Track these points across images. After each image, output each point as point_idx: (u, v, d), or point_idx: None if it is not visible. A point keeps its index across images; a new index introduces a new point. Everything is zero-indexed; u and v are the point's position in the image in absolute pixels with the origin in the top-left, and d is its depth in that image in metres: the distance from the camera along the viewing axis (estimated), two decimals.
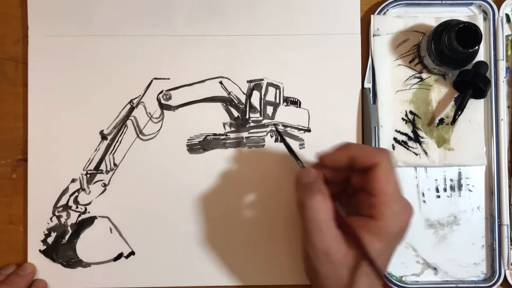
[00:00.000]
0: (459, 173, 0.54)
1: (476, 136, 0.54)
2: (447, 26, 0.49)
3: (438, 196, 0.54)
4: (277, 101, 0.54)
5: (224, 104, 0.54)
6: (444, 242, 0.54)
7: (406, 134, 0.54)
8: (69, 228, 0.53)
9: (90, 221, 0.53)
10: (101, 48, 0.54)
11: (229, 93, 0.54)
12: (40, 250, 0.53)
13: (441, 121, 0.54)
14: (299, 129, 0.54)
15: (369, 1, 0.54)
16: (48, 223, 0.53)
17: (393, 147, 0.54)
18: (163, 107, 0.54)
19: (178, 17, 0.54)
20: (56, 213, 0.53)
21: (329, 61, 0.54)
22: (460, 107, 0.51)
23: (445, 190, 0.54)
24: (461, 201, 0.54)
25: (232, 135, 0.54)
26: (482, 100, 0.54)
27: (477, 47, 0.48)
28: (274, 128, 0.54)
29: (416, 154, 0.54)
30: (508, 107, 0.54)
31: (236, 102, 0.54)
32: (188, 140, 0.54)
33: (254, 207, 0.53)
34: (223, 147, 0.53)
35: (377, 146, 0.53)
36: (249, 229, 0.53)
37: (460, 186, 0.54)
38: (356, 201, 0.45)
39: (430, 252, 0.54)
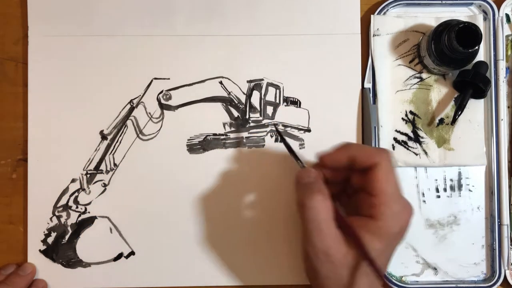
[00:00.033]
0: (459, 173, 0.54)
1: (476, 136, 0.54)
2: (447, 26, 0.49)
3: (438, 196, 0.54)
4: (277, 101, 0.54)
5: (224, 104, 0.54)
6: (444, 242, 0.54)
7: (406, 134, 0.54)
8: (69, 228, 0.53)
9: (90, 221, 0.53)
10: (101, 48, 0.54)
11: (229, 93, 0.54)
12: (40, 250, 0.53)
13: (441, 121, 0.54)
14: (299, 129, 0.54)
15: (369, 1, 0.54)
16: (48, 223, 0.53)
17: (393, 147, 0.54)
18: (163, 107, 0.54)
19: (178, 17, 0.54)
20: (56, 213, 0.53)
21: (329, 61, 0.54)
22: (460, 107, 0.51)
23: (445, 190, 0.54)
24: (461, 201, 0.54)
25: (232, 135, 0.54)
26: (482, 100, 0.54)
27: (477, 47, 0.48)
28: (274, 128, 0.54)
29: (416, 154, 0.54)
30: (508, 107, 0.54)
31: (236, 102, 0.54)
32: (188, 140, 0.54)
33: (254, 207, 0.53)
34: (223, 147, 0.53)
35: (377, 146, 0.53)
36: (249, 229, 0.53)
37: (460, 186, 0.54)
38: (356, 201, 0.45)
39: (430, 252, 0.54)
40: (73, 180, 0.53)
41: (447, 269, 0.54)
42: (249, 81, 0.54)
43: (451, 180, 0.54)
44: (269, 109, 0.54)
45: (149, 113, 0.54)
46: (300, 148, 0.53)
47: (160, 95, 0.54)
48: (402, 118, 0.54)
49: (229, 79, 0.54)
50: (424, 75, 0.54)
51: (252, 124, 0.54)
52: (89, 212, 0.53)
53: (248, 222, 0.53)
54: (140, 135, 0.53)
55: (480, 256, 0.54)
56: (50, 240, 0.53)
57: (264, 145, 0.54)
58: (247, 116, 0.54)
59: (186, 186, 0.53)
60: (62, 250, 0.53)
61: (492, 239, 0.53)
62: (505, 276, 0.53)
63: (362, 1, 0.54)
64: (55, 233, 0.53)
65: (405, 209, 0.43)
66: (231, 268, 0.53)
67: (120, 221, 0.53)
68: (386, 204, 0.42)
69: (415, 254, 0.54)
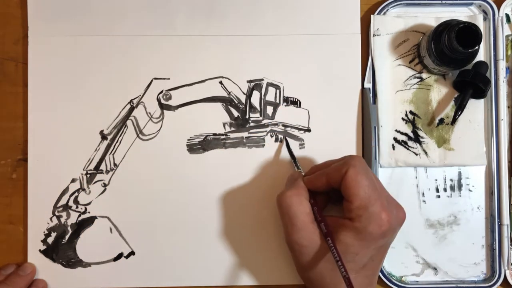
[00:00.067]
0: (459, 173, 0.54)
1: (476, 136, 0.54)
2: (447, 26, 0.49)
3: (438, 196, 0.54)
4: (277, 101, 0.54)
5: (224, 104, 0.54)
6: (444, 242, 0.54)
7: (406, 134, 0.54)
8: (69, 228, 0.53)
9: (90, 221, 0.53)
10: (101, 48, 0.54)
11: (229, 93, 0.54)
12: (40, 250, 0.53)
13: (441, 121, 0.54)
14: (299, 129, 0.54)
15: (369, 1, 0.54)
16: (48, 223, 0.53)
17: (393, 147, 0.54)
18: (163, 107, 0.54)
19: (178, 17, 0.54)
20: (56, 213, 0.53)
21: (329, 61, 0.54)
22: (460, 107, 0.51)
23: (445, 190, 0.54)
24: (461, 201, 0.54)
25: (232, 135, 0.54)
26: (482, 100, 0.54)
27: (477, 47, 0.48)
28: (274, 129, 0.54)
29: (416, 154, 0.54)
30: (508, 107, 0.54)
31: (236, 102, 0.54)
32: (188, 140, 0.54)
33: (254, 207, 0.53)
34: (223, 147, 0.53)
35: (377, 146, 0.53)
36: (249, 229, 0.53)
37: (460, 186, 0.54)
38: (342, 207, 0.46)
39: (430, 252, 0.54)
40: (73, 180, 0.53)
41: (447, 269, 0.54)
42: (249, 81, 0.54)
43: (451, 180, 0.54)
44: (269, 109, 0.54)
45: (149, 113, 0.54)
46: (300, 148, 0.53)
47: (160, 95, 0.54)
48: (402, 118, 0.54)
49: (229, 79, 0.54)
50: (424, 75, 0.54)
51: (252, 124, 0.54)
52: (89, 212, 0.53)
53: (248, 222, 0.53)
54: (140, 135, 0.53)
55: (480, 256, 0.54)
56: (50, 240, 0.53)
57: (264, 145, 0.54)
58: (247, 116, 0.54)
59: (186, 186, 0.53)
60: (62, 250, 0.53)
61: (492, 239, 0.53)
62: (505, 276, 0.53)
63: (362, 1, 0.54)
64: (55, 233, 0.53)
65: (384, 210, 0.44)
66: (231, 268, 0.53)
67: (120, 221, 0.53)
68: (360, 207, 0.43)
69: (415, 254, 0.54)
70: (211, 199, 0.53)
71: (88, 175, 0.53)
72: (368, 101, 0.53)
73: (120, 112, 0.54)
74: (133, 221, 0.53)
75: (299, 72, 0.54)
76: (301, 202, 0.45)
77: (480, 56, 0.53)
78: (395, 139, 0.54)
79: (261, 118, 0.54)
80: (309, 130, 0.54)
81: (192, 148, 0.53)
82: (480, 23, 0.53)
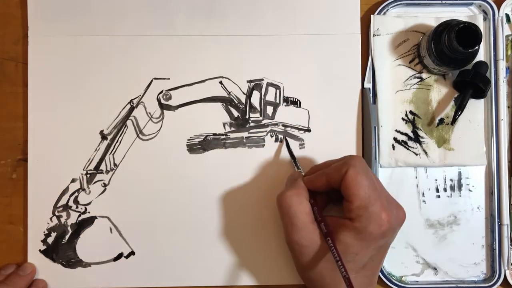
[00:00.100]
0: (459, 173, 0.54)
1: (476, 136, 0.54)
2: (447, 26, 0.49)
3: (438, 196, 0.54)
4: (277, 101, 0.54)
5: (224, 104, 0.54)
6: (444, 242, 0.54)
7: (406, 134, 0.54)
8: (69, 228, 0.53)
9: (90, 221, 0.53)
10: (101, 48, 0.54)
11: (229, 93, 0.54)
12: (40, 250, 0.53)
13: (441, 121, 0.54)
14: (299, 129, 0.54)
15: (369, 1, 0.54)
16: (48, 223, 0.53)
17: (393, 147, 0.54)
18: (163, 107, 0.54)
19: (178, 17, 0.54)
20: (56, 213, 0.53)
21: (329, 61, 0.54)
22: (460, 107, 0.51)
23: (445, 190, 0.54)
24: (461, 201, 0.54)
25: (232, 135, 0.54)
26: (482, 100, 0.54)
27: (477, 47, 0.48)
28: (274, 129, 0.54)
29: (416, 154, 0.54)
30: (508, 107, 0.54)
31: (236, 102, 0.54)
32: (188, 140, 0.54)
33: (254, 207, 0.53)
34: (223, 147, 0.53)
35: (377, 146, 0.53)
36: (249, 229, 0.53)
37: (460, 186, 0.54)
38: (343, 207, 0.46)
39: (430, 252, 0.54)
40: (73, 180, 0.53)
41: (447, 269, 0.54)
42: (249, 81, 0.54)
43: (451, 180, 0.54)
44: (269, 109, 0.54)
45: (149, 113, 0.54)
46: (300, 148, 0.53)
47: (160, 95, 0.54)
48: (402, 118, 0.54)
49: (229, 79, 0.54)
50: (424, 75, 0.54)
51: (252, 124, 0.54)
52: (89, 212, 0.53)
53: (248, 222, 0.53)
54: (140, 135, 0.53)
55: (480, 256, 0.54)
56: (50, 240, 0.53)
57: (264, 145, 0.54)
58: (247, 116, 0.54)
59: (186, 186, 0.53)
60: (62, 250, 0.53)
61: (492, 239, 0.53)
62: (505, 276, 0.53)
63: (362, 1, 0.54)
64: (55, 233, 0.53)
65: (384, 210, 0.44)
66: (231, 268, 0.53)
67: (120, 221, 0.53)
68: (360, 207, 0.43)
69: (415, 254, 0.54)
70: (211, 199, 0.53)
71: (88, 175, 0.53)
72: (368, 101, 0.53)
73: (120, 112, 0.54)
74: (133, 221, 0.53)
75: (299, 72, 0.54)
76: (301, 202, 0.45)
77: (480, 56, 0.53)
78: (395, 139, 0.54)
79: (261, 118, 0.54)
80: (309, 130, 0.54)
81: (192, 148, 0.53)
82: (480, 23, 0.53)
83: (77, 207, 0.53)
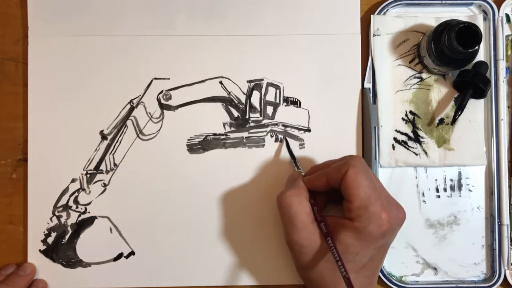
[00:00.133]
0: (459, 173, 0.54)
1: (476, 136, 0.54)
2: (447, 26, 0.49)
3: (438, 196, 0.54)
4: (277, 101, 0.54)
5: (224, 104, 0.54)
6: (444, 242, 0.54)
7: (406, 134, 0.54)
8: (69, 228, 0.53)
9: (90, 221, 0.53)
10: (101, 48, 0.54)
11: (229, 93, 0.54)
12: (40, 250, 0.53)
13: (441, 121, 0.54)
14: (299, 129, 0.54)
15: (369, 1, 0.54)
16: (48, 223, 0.53)
17: (393, 147, 0.54)
18: (163, 107, 0.54)
19: (178, 17, 0.54)
20: (56, 213, 0.53)
21: (329, 61, 0.54)
22: (460, 107, 0.51)
23: (445, 190, 0.54)
24: (461, 201, 0.54)
25: (232, 135, 0.54)
26: (482, 100, 0.54)
27: (477, 47, 0.48)
28: (274, 129, 0.54)
29: (416, 154, 0.54)
30: (508, 107, 0.54)
31: (236, 102, 0.54)
32: (188, 140, 0.54)
33: (254, 207, 0.53)
34: (223, 147, 0.53)
35: (377, 146, 0.53)
36: (249, 229, 0.53)
37: (460, 186, 0.54)
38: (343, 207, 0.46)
39: (430, 252, 0.54)
40: (73, 180, 0.53)
41: (447, 269, 0.54)
42: (249, 81, 0.54)
43: (451, 180, 0.54)
44: (269, 109, 0.54)
45: (149, 113, 0.54)
46: (300, 148, 0.53)
47: (160, 95, 0.54)
48: (402, 118, 0.54)
49: (229, 79, 0.54)
50: (424, 75, 0.54)
51: (252, 124, 0.54)
52: (89, 212, 0.53)
53: (248, 222, 0.53)
54: (140, 135, 0.53)
55: (480, 256, 0.54)
56: (50, 240, 0.53)
57: (264, 145, 0.54)
58: (247, 116, 0.54)
59: (186, 186, 0.53)
60: (62, 250, 0.53)
61: (492, 239, 0.53)
62: (505, 276, 0.53)
63: (362, 1, 0.54)
64: (55, 233, 0.53)
65: (384, 211, 0.44)
66: (231, 268, 0.53)
67: (120, 221, 0.53)
68: (360, 207, 0.43)
69: (415, 254, 0.54)
70: (211, 199, 0.53)
71: (88, 175, 0.53)
72: (368, 101, 0.53)
73: (120, 112, 0.54)
74: (133, 221, 0.53)
75: (299, 72, 0.54)
76: (301, 202, 0.45)
77: (480, 56, 0.53)
78: (395, 139, 0.54)
79: (261, 118, 0.54)
80: (309, 130, 0.54)
81: (192, 148, 0.53)
82: (480, 23, 0.53)
83: (77, 207, 0.53)
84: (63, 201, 0.53)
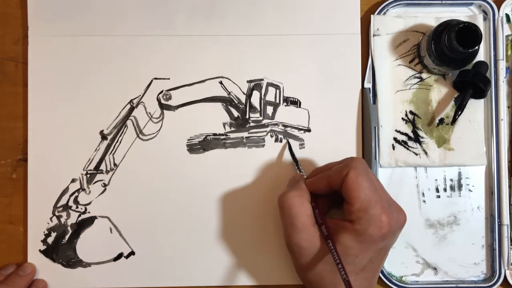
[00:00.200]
0: (459, 173, 0.54)
1: (476, 136, 0.54)
2: (447, 26, 0.49)
3: (438, 196, 0.54)
4: (277, 101, 0.54)
5: (224, 104, 0.54)
6: (444, 242, 0.54)
7: (406, 134, 0.54)
8: (69, 228, 0.53)
9: (90, 221, 0.53)
10: (101, 48, 0.54)
11: (229, 93, 0.54)
12: (40, 250, 0.53)
13: (441, 121, 0.54)
14: (299, 129, 0.54)
15: (369, 1, 0.54)
16: (48, 223, 0.53)
17: (393, 147, 0.54)
18: (163, 107, 0.54)
19: (178, 17, 0.54)
20: (56, 213, 0.53)
21: (329, 61, 0.54)
22: (460, 107, 0.51)
23: (445, 190, 0.54)
24: (461, 201, 0.54)
25: (232, 135, 0.54)
26: (482, 100, 0.54)
27: (477, 47, 0.48)
28: (274, 129, 0.54)
29: (416, 154, 0.54)
30: (508, 107, 0.54)
31: (236, 102, 0.54)
32: (188, 140, 0.54)
33: (254, 207, 0.53)
34: (223, 147, 0.53)
35: (377, 146, 0.53)
36: (249, 229, 0.53)
37: (460, 186, 0.54)
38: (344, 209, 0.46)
39: (430, 252, 0.54)
40: (73, 180, 0.53)
41: (447, 269, 0.54)
42: (249, 81, 0.54)
43: (451, 180, 0.54)
44: (269, 109, 0.54)
45: (149, 113, 0.54)
46: (300, 148, 0.53)
47: (160, 95, 0.54)
48: (402, 118, 0.54)
49: (229, 79, 0.54)
50: (424, 75, 0.54)
51: (252, 124, 0.54)
52: (89, 212, 0.53)
53: (248, 222, 0.53)
54: (140, 135, 0.53)
55: (480, 256, 0.54)
56: (50, 240, 0.53)
57: (264, 145, 0.54)
58: (247, 116, 0.54)
59: (186, 186, 0.53)
60: (62, 250, 0.53)
61: (492, 239, 0.53)
62: (505, 276, 0.53)
63: (362, 1, 0.54)
64: (55, 233, 0.53)
65: (385, 213, 0.44)
66: (231, 268, 0.53)
67: (120, 221, 0.53)
68: (361, 209, 0.43)
69: (415, 254, 0.54)
70: (211, 199, 0.53)
71: (88, 175, 0.53)
72: (368, 101, 0.53)
73: (120, 112, 0.54)
74: (133, 221, 0.53)
75: (299, 72, 0.54)
76: (302, 204, 0.45)
77: (480, 56, 0.53)
78: (395, 139, 0.54)
79: (261, 118, 0.54)
80: (309, 130, 0.54)
81: (192, 148, 0.53)
82: (480, 23, 0.53)
83: (77, 207, 0.53)
84: (63, 201, 0.53)
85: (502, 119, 0.53)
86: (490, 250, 0.54)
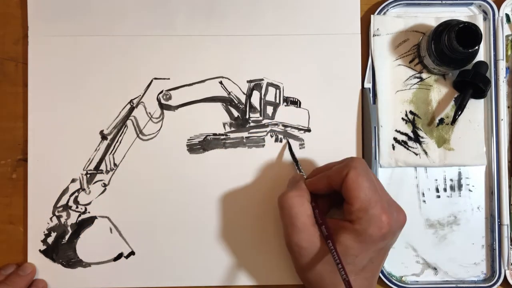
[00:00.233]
0: (459, 173, 0.54)
1: (476, 136, 0.54)
2: (447, 26, 0.49)
3: (438, 196, 0.54)
4: (277, 101, 0.54)
5: (224, 104, 0.54)
6: (444, 242, 0.54)
7: (406, 134, 0.54)
8: (69, 228, 0.53)
9: (90, 221, 0.53)
10: (101, 48, 0.54)
11: (229, 93, 0.54)
12: (40, 250, 0.53)
13: (441, 121, 0.54)
14: (299, 129, 0.54)
15: (369, 1, 0.54)
16: (48, 223, 0.53)
17: (393, 147, 0.54)
18: (163, 107, 0.54)
19: (178, 17, 0.54)
20: (56, 213, 0.53)
21: (329, 61, 0.54)
22: (460, 107, 0.51)
23: (445, 190, 0.54)
24: (461, 201, 0.54)
25: (232, 135, 0.54)
26: (482, 100, 0.54)
27: (477, 47, 0.48)
28: (274, 129, 0.54)
29: (416, 154, 0.54)
30: (508, 107, 0.54)
31: (236, 102, 0.54)
32: (188, 140, 0.54)
33: (254, 207, 0.53)
34: (223, 147, 0.53)
35: (377, 146, 0.53)
36: (249, 229, 0.53)
37: (460, 186, 0.54)
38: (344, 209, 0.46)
39: (430, 252, 0.54)
40: (73, 180, 0.53)
41: (447, 269, 0.54)
42: (249, 81, 0.54)
43: (451, 180, 0.54)
44: (269, 109, 0.54)
45: (149, 113, 0.54)
46: (300, 148, 0.53)
47: (160, 95, 0.54)
48: (402, 118, 0.54)
49: (229, 79, 0.54)
50: (424, 75, 0.54)
51: (252, 124, 0.54)
52: (89, 212, 0.53)
53: (248, 222, 0.53)
54: (140, 135, 0.53)
55: (480, 256, 0.54)
56: (50, 240, 0.53)
57: (264, 145, 0.54)
58: (247, 116, 0.54)
59: (186, 186, 0.53)
60: (62, 250, 0.53)
61: (492, 239, 0.53)
62: (505, 276, 0.53)
63: (362, 1, 0.54)
64: (55, 233, 0.53)
65: (385, 213, 0.44)
66: (231, 268, 0.53)
67: (120, 221, 0.53)
68: (361, 209, 0.43)
69: (415, 254, 0.54)
70: (211, 199, 0.53)
71: (88, 175, 0.53)
72: (368, 101, 0.53)
73: (120, 112, 0.54)
74: (133, 221, 0.53)
75: (299, 72, 0.54)
76: (302, 204, 0.45)
77: (480, 56, 0.53)
78: (395, 139, 0.54)
79: (261, 118, 0.54)
80: (309, 130, 0.54)
81: (192, 148, 0.53)
82: (480, 23, 0.53)
83: (77, 207, 0.53)
84: (63, 201, 0.53)
85: (502, 119, 0.53)
86: (490, 250, 0.54)
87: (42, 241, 0.53)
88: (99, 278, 0.53)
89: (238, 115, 0.54)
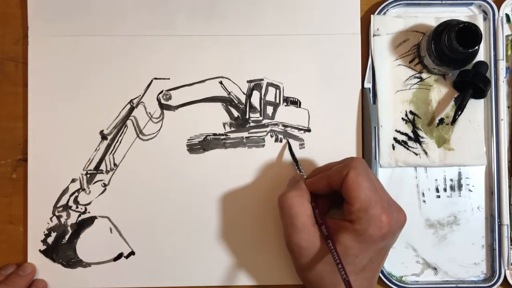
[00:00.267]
0: (459, 173, 0.54)
1: (476, 136, 0.54)
2: (447, 26, 0.49)
3: (438, 196, 0.54)
4: (277, 101, 0.54)
5: (224, 104, 0.54)
6: (444, 242, 0.54)
7: (406, 134, 0.54)
8: (69, 228, 0.53)
9: (90, 221, 0.53)
10: (101, 48, 0.54)
11: (229, 93, 0.54)
12: (40, 250, 0.53)
13: (441, 121, 0.54)
14: (299, 129, 0.54)
15: (369, 1, 0.54)
16: (48, 223, 0.53)
17: (393, 147, 0.54)
18: (163, 107, 0.54)
19: (178, 17, 0.54)
20: (56, 213, 0.53)
21: (329, 61, 0.54)
22: (460, 107, 0.51)
23: (445, 190, 0.54)
24: (461, 201, 0.54)
25: (232, 135, 0.54)
26: (482, 100, 0.54)
27: (477, 47, 0.48)
28: (274, 129, 0.54)
29: (416, 154, 0.54)
30: (508, 107, 0.54)
31: (236, 102, 0.54)
32: (188, 140, 0.54)
33: (254, 207, 0.53)
34: (223, 147, 0.53)
35: (377, 146, 0.53)
36: (249, 229, 0.53)
37: (460, 186, 0.54)
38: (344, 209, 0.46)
39: (430, 252, 0.54)
40: (73, 180, 0.53)
41: (447, 269, 0.54)
42: (249, 81, 0.54)
43: (451, 180, 0.54)
44: (269, 109, 0.54)
45: (149, 113, 0.54)
46: (300, 148, 0.53)
47: (160, 95, 0.54)
48: (402, 118, 0.54)
49: (229, 79, 0.54)
50: (424, 75, 0.54)
51: (252, 124, 0.54)
52: (89, 212, 0.53)
53: (248, 222, 0.53)
54: (140, 135, 0.53)
55: (480, 256, 0.54)
56: (50, 240, 0.53)
57: (264, 145, 0.54)
58: (247, 116, 0.54)
59: (186, 186, 0.53)
60: (62, 250, 0.53)
61: (492, 239, 0.53)
62: (505, 276, 0.53)
63: (362, 1, 0.54)
64: (55, 233, 0.53)
65: (385, 213, 0.44)
66: (231, 268, 0.53)
67: (120, 221, 0.53)
68: (361, 209, 0.43)
69: (415, 254, 0.54)
70: (211, 199, 0.53)
71: (88, 175, 0.53)
72: (368, 101, 0.53)
73: (120, 112, 0.54)
74: (133, 221, 0.53)
75: (299, 72, 0.54)
76: (302, 204, 0.45)
77: (480, 56, 0.53)
78: (395, 139, 0.54)
79: (261, 118, 0.54)
80: (309, 130, 0.54)
81: (192, 148, 0.53)
82: (480, 23, 0.53)
83: (77, 207, 0.53)
84: (63, 201, 0.53)
85: (502, 119, 0.53)
86: (490, 250, 0.54)
87: (42, 241, 0.53)
88: (99, 278, 0.53)
89: (238, 115, 0.54)
